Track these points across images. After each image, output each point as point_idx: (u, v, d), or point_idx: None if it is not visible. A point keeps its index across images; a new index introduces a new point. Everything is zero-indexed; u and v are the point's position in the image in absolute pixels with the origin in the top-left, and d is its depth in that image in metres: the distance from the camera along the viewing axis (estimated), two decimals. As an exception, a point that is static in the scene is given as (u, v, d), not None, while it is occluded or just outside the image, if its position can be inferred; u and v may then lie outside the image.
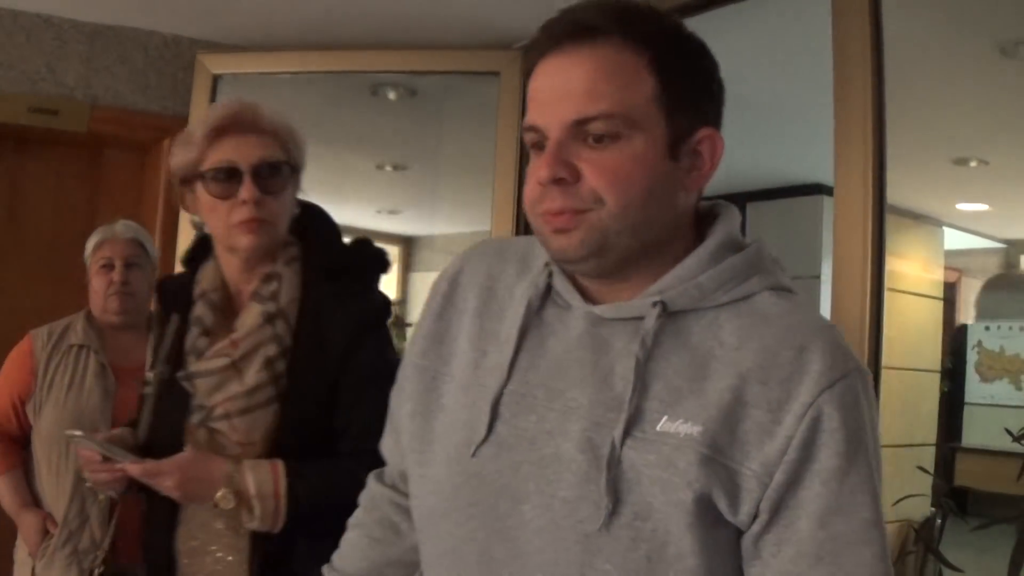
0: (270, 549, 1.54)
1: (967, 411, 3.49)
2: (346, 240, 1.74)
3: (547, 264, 1.06)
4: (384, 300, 1.68)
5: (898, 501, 2.58)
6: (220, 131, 1.59)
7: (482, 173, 3.10)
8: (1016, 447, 2.55)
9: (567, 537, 0.95)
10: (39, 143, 3.25)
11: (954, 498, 2.90)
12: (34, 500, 2.44)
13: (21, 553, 2.45)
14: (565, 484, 0.95)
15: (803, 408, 0.91)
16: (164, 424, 1.63)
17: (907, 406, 3.03)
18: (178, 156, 1.63)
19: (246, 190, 1.56)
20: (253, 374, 1.56)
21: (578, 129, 0.94)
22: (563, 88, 0.95)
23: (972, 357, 3.52)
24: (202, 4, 3.02)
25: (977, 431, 3.43)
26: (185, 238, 2.93)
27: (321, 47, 3.16)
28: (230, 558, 1.56)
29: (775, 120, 3.38)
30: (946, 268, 3.58)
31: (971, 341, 3.57)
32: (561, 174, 0.94)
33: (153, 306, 2.27)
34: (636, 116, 0.94)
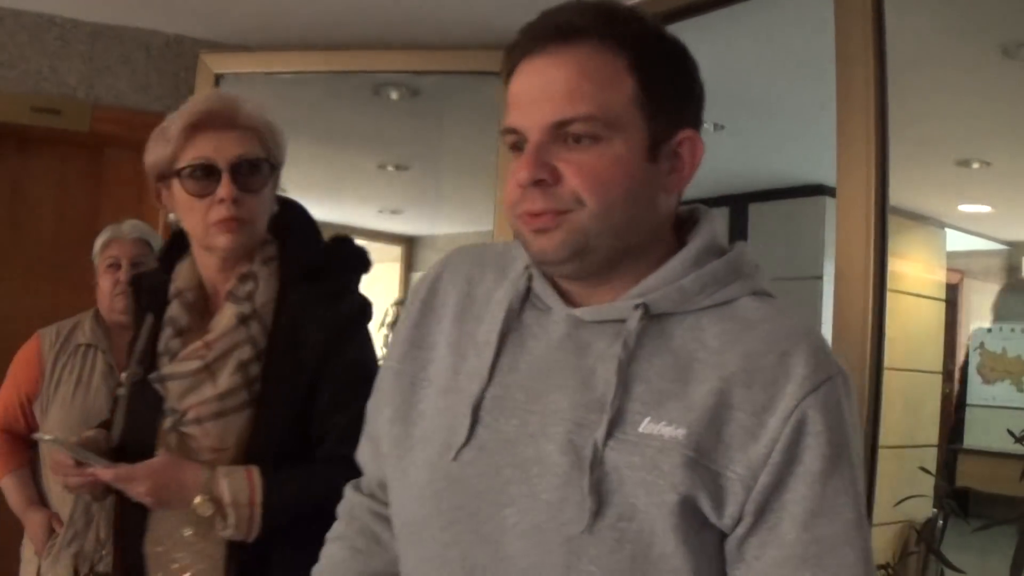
0: (244, 558, 1.48)
1: (969, 412, 3.49)
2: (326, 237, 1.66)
3: (527, 267, 1.05)
4: (364, 302, 1.61)
5: (900, 502, 2.58)
6: (197, 126, 1.52)
7: (484, 173, 3.09)
8: (1018, 448, 2.55)
9: (551, 540, 0.94)
10: (41, 143, 3.25)
11: (956, 499, 2.91)
12: (41, 499, 2.45)
13: (28, 551, 2.46)
14: (548, 486, 0.95)
15: (788, 411, 0.91)
16: (137, 427, 1.58)
17: (909, 407, 3.03)
18: (153, 152, 1.56)
19: (224, 188, 1.50)
20: (226, 378, 1.50)
21: (558, 131, 0.94)
22: (543, 90, 0.95)
23: (974, 359, 3.52)
24: (204, 4, 3.02)
25: (979, 432, 3.42)
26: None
27: (323, 47, 3.16)
28: (201, 566, 1.49)
29: (777, 121, 3.37)
30: (948, 270, 3.58)
31: (974, 343, 3.56)
32: (541, 175, 0.94)
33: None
34: (616, 118, 0.94)
